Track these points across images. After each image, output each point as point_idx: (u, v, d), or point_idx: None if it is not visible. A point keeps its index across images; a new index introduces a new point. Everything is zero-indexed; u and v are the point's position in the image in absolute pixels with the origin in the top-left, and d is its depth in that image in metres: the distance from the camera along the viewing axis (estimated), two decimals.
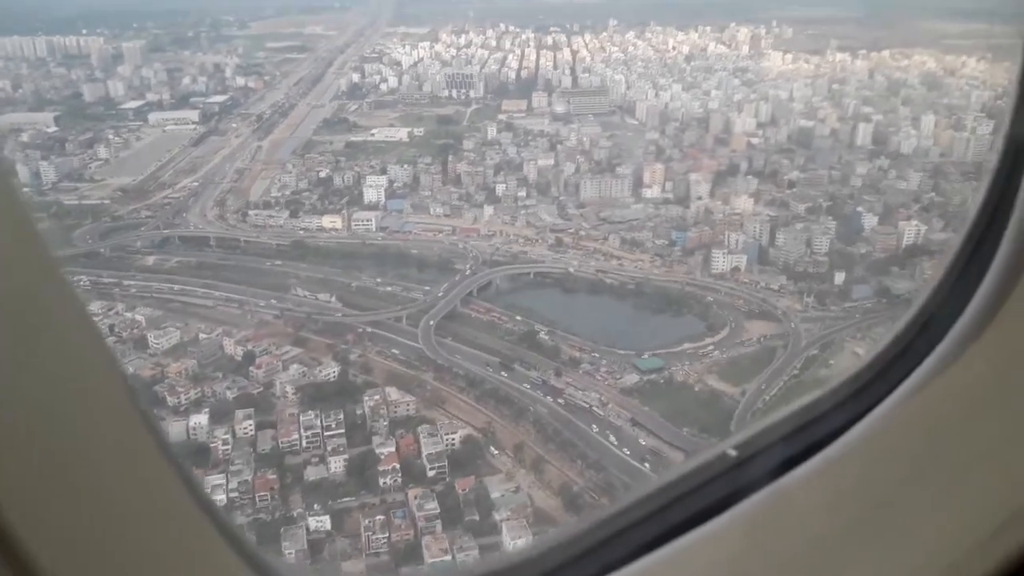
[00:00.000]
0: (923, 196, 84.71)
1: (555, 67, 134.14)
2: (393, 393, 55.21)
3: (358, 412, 53.55)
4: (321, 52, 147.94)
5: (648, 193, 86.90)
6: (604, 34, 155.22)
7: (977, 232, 3.39)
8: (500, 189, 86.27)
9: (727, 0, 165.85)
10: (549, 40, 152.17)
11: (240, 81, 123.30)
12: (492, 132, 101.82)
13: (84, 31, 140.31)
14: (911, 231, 76.11)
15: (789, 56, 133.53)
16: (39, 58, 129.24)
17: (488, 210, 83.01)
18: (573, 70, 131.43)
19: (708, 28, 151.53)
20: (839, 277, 70.39)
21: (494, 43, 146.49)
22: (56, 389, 1.83)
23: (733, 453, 3.29)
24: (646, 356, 60.94)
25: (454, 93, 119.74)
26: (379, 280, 71.43)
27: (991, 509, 3.05)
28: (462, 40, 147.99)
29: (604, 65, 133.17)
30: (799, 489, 3.17)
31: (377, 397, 54.37)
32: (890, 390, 3.37)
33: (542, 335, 64.13)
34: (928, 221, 77.82)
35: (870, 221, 78.75)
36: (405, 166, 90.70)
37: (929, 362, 3.35)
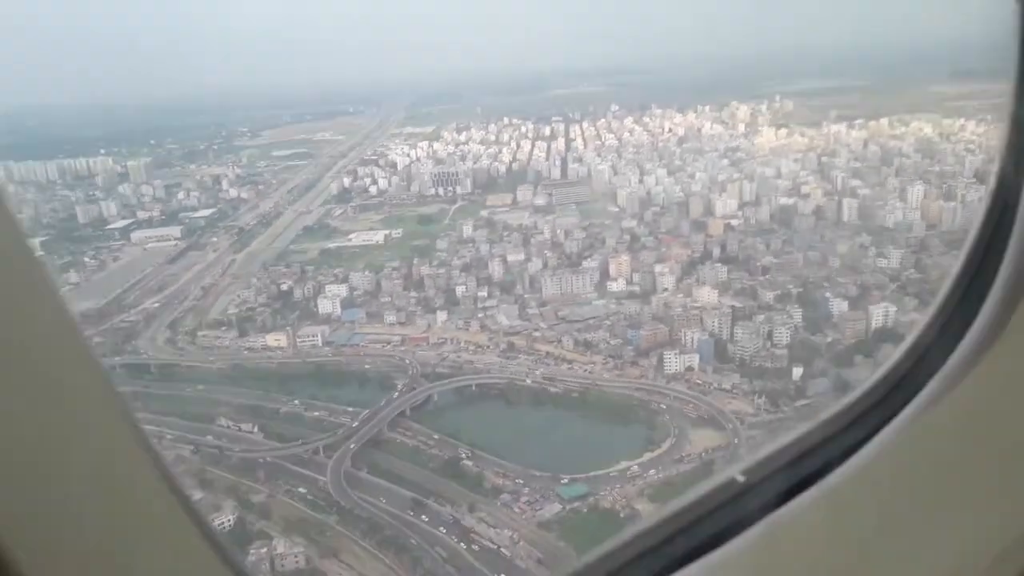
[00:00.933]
0: (903, 273, 77.06)
1: (548, 158, 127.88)
2: (281, 544, 48.38)
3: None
4: (324, 158, 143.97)
5: (613, 287, 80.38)
6: (603, 121, 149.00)
7: (976, 258, 3.38)
8: (460, 291, 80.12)
9: (735, 77, 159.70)
10: (548, 131, 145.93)
11: (233, 192, 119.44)
12: (468, 230, 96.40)
13: (102, 151, 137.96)
14: (880, 314, 68.25)
15: (784, 131, 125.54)
16: (49, 181, 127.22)
17: (442, 315, 76.61)
18: (564, 160, 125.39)
19: (707, 108, 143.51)
20: (796, 372, 62.64)
21: (493, 138, 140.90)
22: (41, 394, 1.84)
23: (741, 479, 3.22)
24: (567, 481, 53.68)
25: (440, 191, 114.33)
26: (309, 404, 65.16)
27: (994, 535, 3.03)
28: (462, 136, 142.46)
29: (595, 153, 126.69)
30: (802, 517, 3.11)
31: (264, 550, 47.70)
32: (891, 416, 3.29)
33: (466, 461, 57.21)
34: (901, 301, 70.04)
35: (839, 306, 70.99)
36: (367, 272, 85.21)
37: (929, 388, 3.28)
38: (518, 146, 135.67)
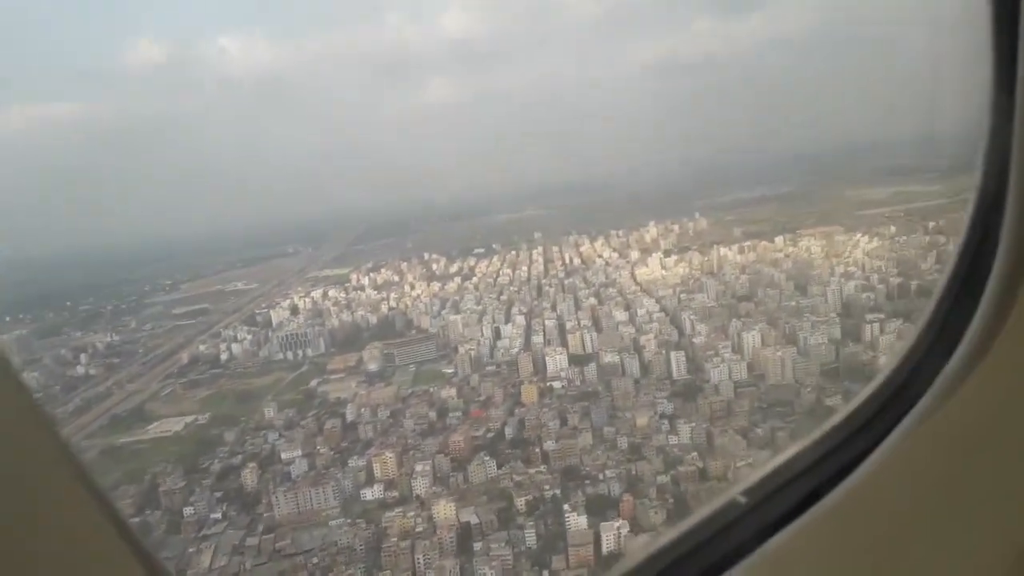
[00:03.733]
0: (684, 459, 62.79)
1: (428, 303, 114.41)
2: None
3: None
4: (217, 315, 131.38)
5: (367, 495, 66.58)
6: (513, 252, 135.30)
7: (963, 267, 3.19)
8: (188, 512, 66.55)
9: (677, 190, 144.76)
10: (456, 267, 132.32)
11: (81, 370, 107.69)
12: (271, 412, 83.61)
13: (8, 318, 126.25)
14: (612, 535, 53.61)
15: (671, 259, 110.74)
16: None
17: None
18: (443, 305, 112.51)
19: (620, 232, 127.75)
20: None
21: (397, 279, 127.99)
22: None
23: (743, 500, 3.12)
24: None
25: (289, 355, 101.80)
26: None
27: (995, 552, 2.94)
28: (365, 280, 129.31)
29: (475, 296, 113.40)
30: (805, 537, 2.99)
31: None
32: (887, 431, 3.14)
33: None
34: (643, 517, 55.51)
35: (578, 522, 56.35)
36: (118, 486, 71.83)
37: (924, 401, 3.12)
38: (412, 288, 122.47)
